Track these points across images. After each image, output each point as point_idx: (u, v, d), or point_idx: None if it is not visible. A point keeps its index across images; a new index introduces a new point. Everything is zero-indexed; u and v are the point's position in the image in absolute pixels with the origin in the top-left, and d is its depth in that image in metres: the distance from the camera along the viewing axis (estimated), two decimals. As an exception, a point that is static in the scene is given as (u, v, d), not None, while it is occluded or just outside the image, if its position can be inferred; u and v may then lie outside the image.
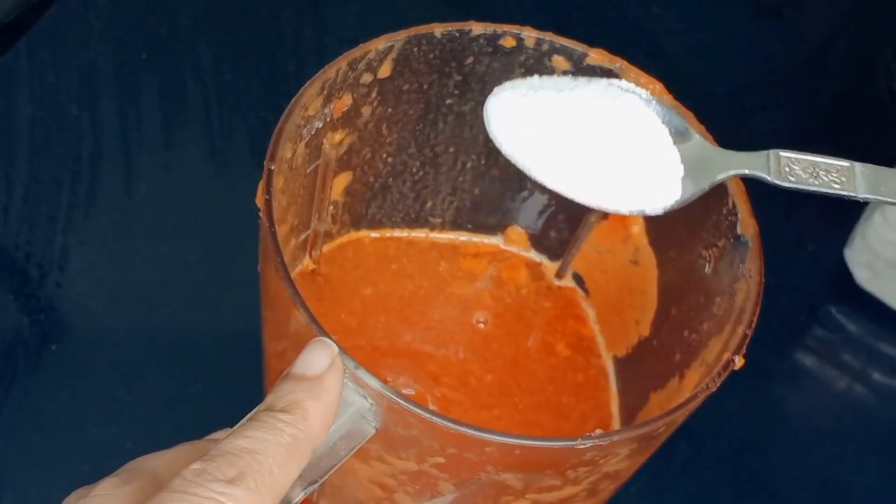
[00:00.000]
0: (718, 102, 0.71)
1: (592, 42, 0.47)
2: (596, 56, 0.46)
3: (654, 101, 0.38)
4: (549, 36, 0.46)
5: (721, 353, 0.41)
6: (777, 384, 0.62)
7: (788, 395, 0.62)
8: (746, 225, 0.42)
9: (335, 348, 0.36)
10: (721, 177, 0.37)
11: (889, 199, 0.34)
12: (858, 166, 0.35)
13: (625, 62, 0.46)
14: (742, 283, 0.42)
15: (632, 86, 0.38)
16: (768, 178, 0.36)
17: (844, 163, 0.35)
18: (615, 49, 0.46)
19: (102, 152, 0.63)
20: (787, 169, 0.36)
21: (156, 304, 0.58)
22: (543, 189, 0.48)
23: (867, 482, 0.59)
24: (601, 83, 0.38)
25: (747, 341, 0.40)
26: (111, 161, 0.63)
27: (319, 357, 0.36)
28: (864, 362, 0.63)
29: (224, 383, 0.56)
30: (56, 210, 0.60)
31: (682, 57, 0.73)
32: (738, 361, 0.40)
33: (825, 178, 0.35)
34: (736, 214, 0.43)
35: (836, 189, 0.35)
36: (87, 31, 0.68)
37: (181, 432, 0.54)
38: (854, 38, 0.78)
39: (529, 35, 0.46)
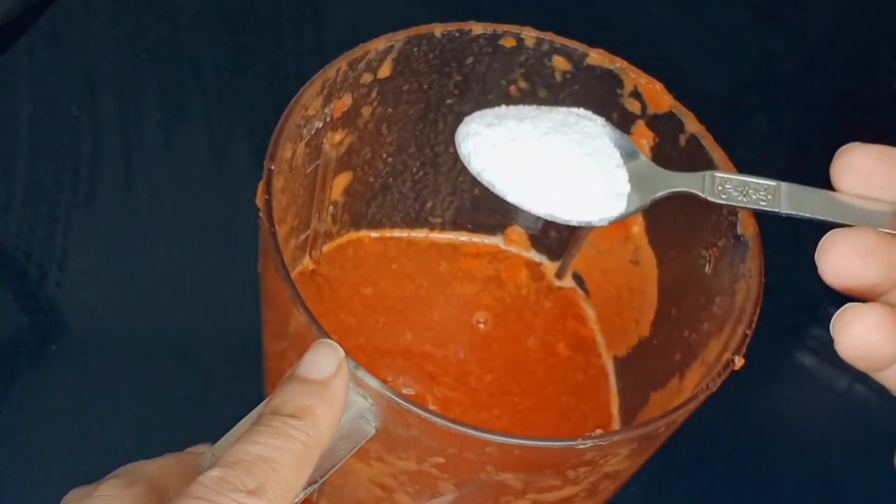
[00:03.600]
0: (718, 102, 0.71)
1: (592, 42, 0.47)
2: (596, 56, 0.46)
3: (607, 127, 0.42)
4: (549, 36, 0.46)
5: (721, 353, 0.41)
6: (777, 384, 0.62)
7: (788, 395, 0.62)
8: (746, 225, 0.42)
9: (342, 352, 0.36)
10: (661, 193, 0.40)
11: (808, 215, 0.37)
12: (784, 186, 0.38)
13: (625, 62, 0.46)
14: (742, 282, 0.42)
15: (589, 113, 0.42)
16: (702, 195, 0.39)
17: (771, 182, 0.38)
18: (615, 49, 0.46)
19: (102, 152, 0.63)
20: (719, 188, 0.39)
21: (156, 304, 0.58)
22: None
23: (867, 482, 0.59)
24: (561, 111, 0.42)
25: (747, 341, 0.40)
26: (111, 161, 0.63)
27: (326, 360, 0.36)
28: (864, 362, 0.63)
29: (224, 383, 0.56)
30: (56, 210, 0.60)
31: (682, 57, 0.73)
32: (738, 361, 0.40)
33: (753, 196, 0.38)
34: (736, 214, 0.43)
35: (762, 206, 0.38)
36: (87, 31, 0.68)
37: (181, 432, 0.54)
38: (854, 38, 0.78)
39: (529, 35, 0.46)
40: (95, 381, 0.56)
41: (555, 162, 0.40)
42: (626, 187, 0.40)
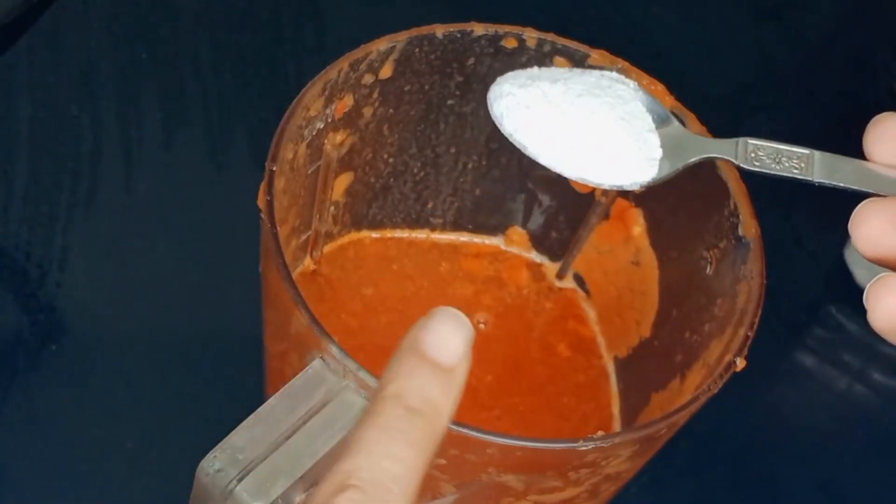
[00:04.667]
0: (718, 102, 0.71)
1: (593, 43, 0.47)
2: (597, 57, 0.46)
3: (640, 91, 0.42)
4: (550, 37, 0.46)
5: (722, 354, 0.41)
6: (777, 384, 0.62)
7: (788, 396, 0.62)
8: (748, 226, 0.42)
9: (472, 329, 0.33)
10: (694, 159, 0.40)
11: (841, 185, 0.37)
12: (818, 154, 0.38)
13: (626, 63, 0.46)
14: (743, 284, 0.42)
15: (621, 77, 0.42)
16: (735, 162, 0.39)
17: (805, 151, 0.38)
18: (616, 49, 0.46)
19: (102, 152, 0.63)
20: (752, 155, 0.38)
21: (156, 304, 0.58)
22: (540, 182, 0.51)
23: (867, 482, 0.59)
24: (594, 74, 0.42)
25: (749, 343, 0.40)
26: (111, 161, 0.63)
27: (455, 340, 0.32)
28: (864, 362, 0.63)
29: (224, 383, 0.56)
30: (56, 210, 0.60)
31: (682, 57, 0.73)
32: (740, 363, 0.40)
33: (786, 164, 0.38)
34: (738, 216, 0.43)
35: (795, 174, 0.37)
36: (87, 31, 0.68)
37: (181, 432, 0.54)
38: (854, 38, 0.78)
39: (531, 36, 0.46)
40: (95, 381, 0.56)
41: (587, 125, 0.40)
42: (659, 152, 0.40)
